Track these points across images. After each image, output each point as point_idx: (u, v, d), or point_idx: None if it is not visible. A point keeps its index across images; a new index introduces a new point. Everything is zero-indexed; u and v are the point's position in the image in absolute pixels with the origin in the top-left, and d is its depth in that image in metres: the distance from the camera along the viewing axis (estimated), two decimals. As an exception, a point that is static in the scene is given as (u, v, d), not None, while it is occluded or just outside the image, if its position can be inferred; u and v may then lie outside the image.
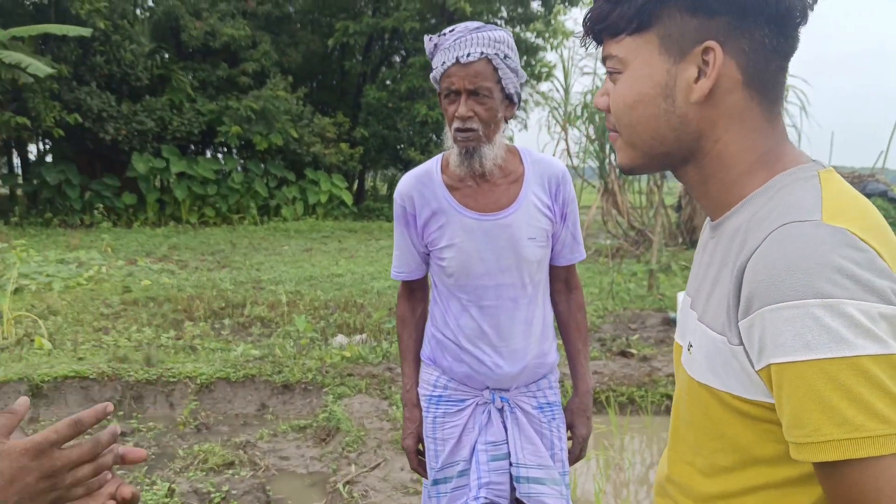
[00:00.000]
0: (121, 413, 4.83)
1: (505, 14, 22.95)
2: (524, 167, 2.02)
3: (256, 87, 18.30)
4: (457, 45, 1.84)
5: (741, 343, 0.84)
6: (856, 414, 0.72)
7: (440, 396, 2.08)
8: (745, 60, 0.89)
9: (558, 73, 27.31)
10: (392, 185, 26.99)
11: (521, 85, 1.95)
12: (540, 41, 22.01)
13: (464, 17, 19.57)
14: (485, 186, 1.98)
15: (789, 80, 13.91)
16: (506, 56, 1.86)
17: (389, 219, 19.94)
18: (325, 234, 16.25)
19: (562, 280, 2.17)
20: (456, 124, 1.88)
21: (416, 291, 2.19)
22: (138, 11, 19.66)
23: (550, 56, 23.11)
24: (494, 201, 1.97)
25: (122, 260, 11.12)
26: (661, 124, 0.93)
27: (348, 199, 20.16)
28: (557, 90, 12.69)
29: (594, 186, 13.19)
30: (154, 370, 5.08)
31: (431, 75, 1.93)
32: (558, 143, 13.09)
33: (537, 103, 26.38)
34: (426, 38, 1.95)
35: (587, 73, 18.22)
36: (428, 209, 1.99)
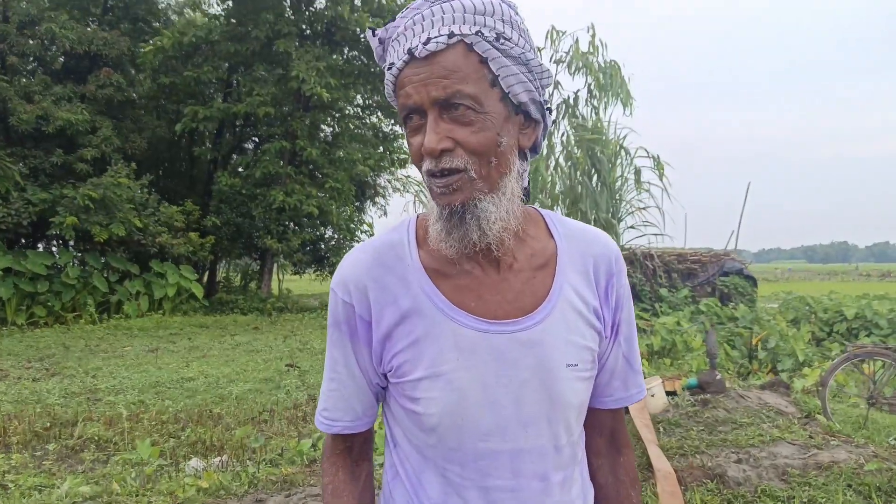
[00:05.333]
0: None
1: (361, 101, 22.93)
2: (555, 242, 1.21)
3: (96, 174, 17.03)
4: (410, 31, 1.06)
5: None
6: None
7: None
8: None
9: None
10: (246, 275, 25.68)
11: (544, 88, 1.13)
12: (398, 129, 22.05)
13: (320, 104, 19.29)
14: (492, 272, 1.15)
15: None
16: (499, 36, 1.05)
17: (245, 311, 18.80)
18: (174, 332, 14.95)
19: (605, 434, 1.32)
20: (426, 165, 1.07)
21: (354, 449, 1.27)
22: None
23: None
24: (511, 299, 1.14)
25: (-75, 373, 9.49)
26: None
27: (199, 291, 18.92)
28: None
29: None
30: (-53, 525, 3.97)
31: (386, 91, 1.15)
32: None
33: (396, 189, 26.34)
34: (369, 33, 1.13)
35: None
36: (394, 310, 1.14)
